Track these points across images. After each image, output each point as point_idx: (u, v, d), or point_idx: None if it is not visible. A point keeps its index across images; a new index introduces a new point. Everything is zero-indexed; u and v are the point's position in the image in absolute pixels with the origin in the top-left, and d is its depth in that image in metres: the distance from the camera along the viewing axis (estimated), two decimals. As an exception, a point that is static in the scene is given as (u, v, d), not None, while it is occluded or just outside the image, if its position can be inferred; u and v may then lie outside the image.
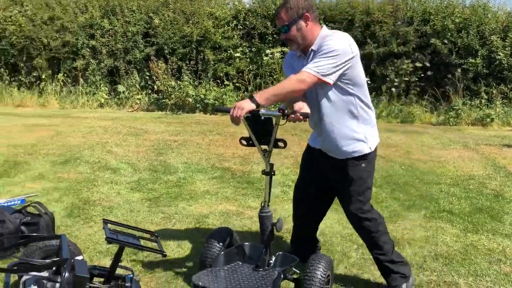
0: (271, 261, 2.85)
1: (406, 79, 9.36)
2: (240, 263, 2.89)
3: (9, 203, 4.19)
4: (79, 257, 2.73)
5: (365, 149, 2.80)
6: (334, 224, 4.02)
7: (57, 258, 2.66)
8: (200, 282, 2.67)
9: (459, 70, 9.27)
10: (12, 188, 4.70)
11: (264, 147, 2.73)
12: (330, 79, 2.59)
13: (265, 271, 2.78)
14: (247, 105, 2.51)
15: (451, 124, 8.70)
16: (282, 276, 2.73)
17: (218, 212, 4.26)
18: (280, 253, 2.92)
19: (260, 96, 2.55)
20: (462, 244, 3.68)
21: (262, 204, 2.79)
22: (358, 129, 2.78)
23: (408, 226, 4.02)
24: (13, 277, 2.78)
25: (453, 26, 9.38)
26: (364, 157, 2.80)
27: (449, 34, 9.36)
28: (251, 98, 2.54)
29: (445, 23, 9.35)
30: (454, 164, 5.87)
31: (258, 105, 2.53)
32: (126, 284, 2.73)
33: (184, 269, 3.22)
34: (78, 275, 2.45)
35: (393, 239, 3.72)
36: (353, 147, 2.78)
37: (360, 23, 9.60)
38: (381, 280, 3.09)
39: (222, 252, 2.87)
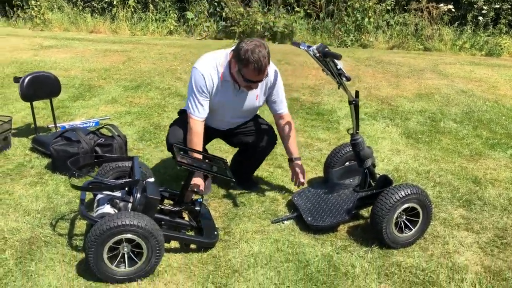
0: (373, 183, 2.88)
1: (497, 6, 8.44)
2: (351, 180, 3.10)
3: (84, 125, 4.34)
4: (151, 179, 2.75)
5: None
6: (409, 160, 3.80)
7: (129, 179, 2.70)
8: (295, 199, 3.02)
9: (560, -4, 8.22)
10: (87, 111, 4.85)
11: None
12: None
13: (363, 192, 2.82)
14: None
15: (544, 58, 7.86)
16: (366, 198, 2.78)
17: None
18: (381, 175, 2.85)
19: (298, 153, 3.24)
20: (554, 188, 3.36)
21: (351, 132, 2.78)
22: None
23: (491, 165, 3.72)
24: (88, 195, 2.88)
25: None
26: None
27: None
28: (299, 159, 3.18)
29: None
30: (547, 102, 5.33)
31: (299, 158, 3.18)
32: (196, 208, 2.75)
33: (251, 197, 3.20)
34: (149, 196, 2.48)
35: (474, 178, 3.49)
36: None
37: None
38: (458, 220, 2.91)
39: (335, 169, 3.10)
